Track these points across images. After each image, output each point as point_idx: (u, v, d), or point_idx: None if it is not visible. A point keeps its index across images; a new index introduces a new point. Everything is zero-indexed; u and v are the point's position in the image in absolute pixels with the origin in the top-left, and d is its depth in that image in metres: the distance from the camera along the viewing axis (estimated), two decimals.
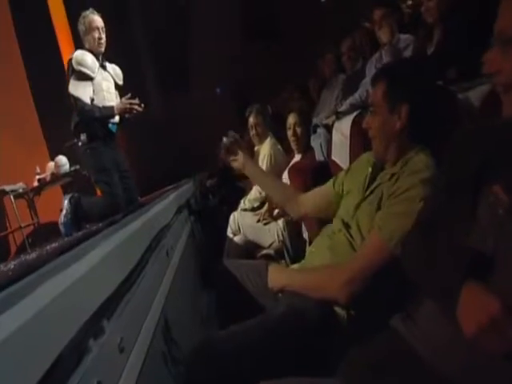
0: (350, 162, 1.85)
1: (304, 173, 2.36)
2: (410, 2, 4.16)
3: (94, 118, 3.02)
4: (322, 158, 2.77)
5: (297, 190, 1.91)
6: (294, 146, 2.90)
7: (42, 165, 5.28)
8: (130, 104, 3.05)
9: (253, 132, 3.30)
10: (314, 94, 4.44)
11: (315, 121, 3.36)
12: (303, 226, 2.44)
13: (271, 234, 2.76)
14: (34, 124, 7.60)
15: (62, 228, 2.93)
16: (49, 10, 7.51)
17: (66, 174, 4.96)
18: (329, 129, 2.72)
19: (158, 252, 1.50)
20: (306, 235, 2.40)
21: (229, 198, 4.19)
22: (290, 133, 2.86)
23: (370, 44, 3.50)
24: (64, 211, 2.94)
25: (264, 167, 3.07)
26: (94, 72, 3.07)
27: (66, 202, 2.98)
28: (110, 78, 3.25)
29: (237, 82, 9.19)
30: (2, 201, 4.94)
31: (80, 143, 3.08)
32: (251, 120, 3.29)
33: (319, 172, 2.30)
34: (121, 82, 3.37)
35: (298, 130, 2.82)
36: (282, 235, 2.70)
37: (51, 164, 5.15)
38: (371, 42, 3.44)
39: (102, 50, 3.15)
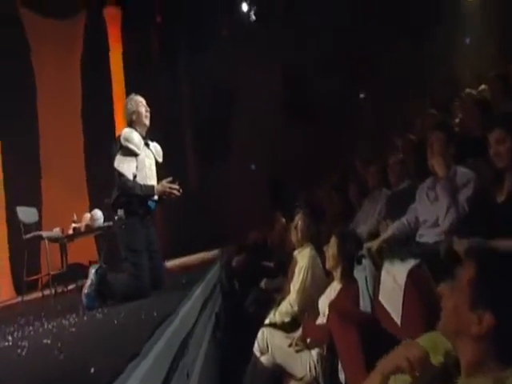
0: (402, 315, 1.76)
1: (349, 329, 2.02)
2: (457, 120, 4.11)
3: (134, 194, 3.07)
4: (366, 296, 2.50)
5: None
6: (335, 274, 2.68)
7: (80, 214, 5.54)
8: (170, 188, 3.11)
9: (297, 235, 3.29)
10: (354, 198, 4.42)
11: (354, 227, 3.30)
12: (340, 364, 2.19)
13: (303, 364, 2.51)
14: (81, 174, 8.24)
15: (84, 299, 2.89)
16: (111, 81, 8.46)
17: (99, 228, 5.12)
18: (373, 256, 2.55)
19: (179, 375, 1.52)
20: (342, 376, 2.16)
21: (255, 279, 4.18)
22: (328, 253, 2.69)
23: (416, 162, 3.31)
24: (89, 281, 2.91)
25: (299, 280, 2.98)
26: (139, 149, 3.16)
27: (92, 271, 2.97)
28: (152, 155, 3.34)
29: (272, 162, 9.66)
30: (38, 244, 5.13)
31: (116, 217, 3.13)
32: (299, 223, 3.29)
33: (367, 330, 2.01)
34: (161, 160, 3.44)
35: (338, 258, 2.61)
36: (315, 369, 2.44)
37: (87, 215, 5.36)
38: (418, 159, 3.19)
39: (147, 123, 3.28)
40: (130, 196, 3.07)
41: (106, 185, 3.54)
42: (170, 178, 3.19)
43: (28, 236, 4.52)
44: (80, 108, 8.34)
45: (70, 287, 5.09)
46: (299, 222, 3.31)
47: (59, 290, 5.06)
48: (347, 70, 8.51)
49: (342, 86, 8.51)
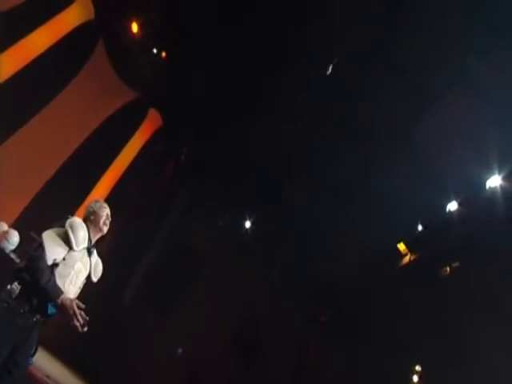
0: None
1: None
2: None
3: (38, 280, 2.57)
4: None
5: None
6: None
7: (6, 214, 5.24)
8: (75, 313, 2.57)
9: None
10: None
11: None
12: None
13: None
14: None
15: None
16: None
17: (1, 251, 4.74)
18: None
19: None
20: None
21: None
22: None
23: None
24: None
25: None
26: (77, 246, 2.79)
27: None
28: (88, 266, 2.93)
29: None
30: None
31: (8, 287, 2.62)
32: None
33: None
34: (95, 279, 3.02)
35: None
36: None
37: (3, 226, 5.07)
38: None
39: (104, 231, 3.00)
40: (34, 279, 2.57)
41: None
42: (83, 306, 2.66)
43: None
44: None
45: None
46: None
47: None
48: None
49: None
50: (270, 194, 11.77)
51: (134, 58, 10.07)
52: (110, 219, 3.02)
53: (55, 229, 2.77)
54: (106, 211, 3.01)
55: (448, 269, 9.11)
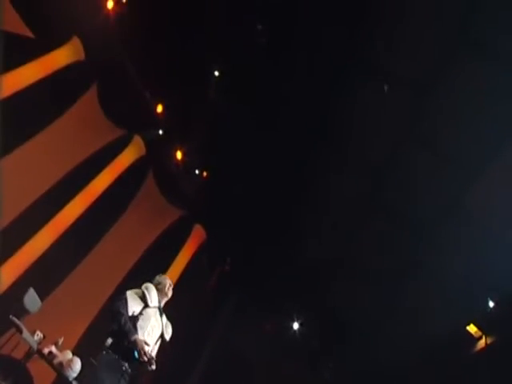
0: None
1: None
2: None
3: (118, 323, 3.24)
4: None
5: None
6: None
7: (71, 336, 5.64)
8: (144, 350, 3.21)
9: None
10: None
11: None
12: None
13: None
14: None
15: None
16: None
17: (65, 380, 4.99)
18: None
19: None
20: None
21: None
22: None
23: None
24: None
25: None
26: (151, 302, 3.51)
27: None
28: (160, 324, 3.58)
29: None
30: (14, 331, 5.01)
31: (106, 344, 3.30)
32: None
33: None
34: (167, 337, 3.67)
35: None
36: None
37: (69, 355, 5.30)
38: None
39: (169, 295, 3.75)
40: (116, 322, 3.27)
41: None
42: (156, 353, 3.44)
43: (14, 319, 4.70)
44: None
45: None
46: None
47: None
48: None
49: None
50: (316, 290, 11.81)
51: (179, 181, 11.40)
52: (172, 286, 3.81)
53: (134, 290, 3.55)
54: (168, 281, 3.84)
55: None
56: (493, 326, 8.45)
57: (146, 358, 3.22)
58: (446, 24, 7.59)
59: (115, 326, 3.30)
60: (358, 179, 10.00)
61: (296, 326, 12.30)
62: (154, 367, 3.31)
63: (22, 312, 5.05)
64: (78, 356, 5.33)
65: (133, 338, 3.21)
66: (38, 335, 5.33)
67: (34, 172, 7.75)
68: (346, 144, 9.77)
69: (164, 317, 3.67)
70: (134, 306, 3.41)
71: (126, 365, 3.27)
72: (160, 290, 3.69)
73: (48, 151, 8.07)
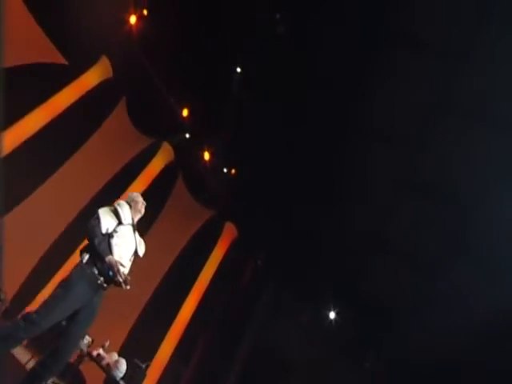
0: None
1: None
2: None
3: (92, 242, 3.26)
4: None
5: None
6: None
7: (115, 340, 6.09)
8: (118, 270, 3.22)
9: None
10: None
11: None
12: None
13: None
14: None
15: None
16: None
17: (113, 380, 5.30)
18: None
19: None
20: None
21: None
22: None
23: None
24: None
25: None
26: (125, 219, 3.50)
27: None
28: (134, 241, 3.60)
29: None
30: None
31: (81, 260, 3.29)
32: None
33: None
34: (141, 254, 3.71)
35: None
36: None
37: (115, 356, 5.64)
38: None
39: (142, 211, 3.72)
40: (90, 241, 3.30)
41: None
42: (128, 271, 3.44)
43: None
44: None
45: None
46: None
47: None
48: None
49: None
50: (353, 278, 11.82)
51: (208, 181, 11.73)
52: (145, 203, 3.75)
53: (107, 207, 3.52)
54: (141, 198, 3.76)
55: None
56: None
57: (120, 279, 3.24)
58: None
59: (90, 246, 3.32)
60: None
61: (332, 315, 12.32)
62: (128, 287, 3.31)
63: None
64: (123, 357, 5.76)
65: (107, 258, 3.23)
66: (87, 339, 5.78)
67: (74, 188, 8.29)
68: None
69: (137, 234, 3.68)
70: (107, 223, 3.39)
71: (102, 279, 3.28)
72: (133, 207, 3.66)
73: (86, 166, 8.58)
